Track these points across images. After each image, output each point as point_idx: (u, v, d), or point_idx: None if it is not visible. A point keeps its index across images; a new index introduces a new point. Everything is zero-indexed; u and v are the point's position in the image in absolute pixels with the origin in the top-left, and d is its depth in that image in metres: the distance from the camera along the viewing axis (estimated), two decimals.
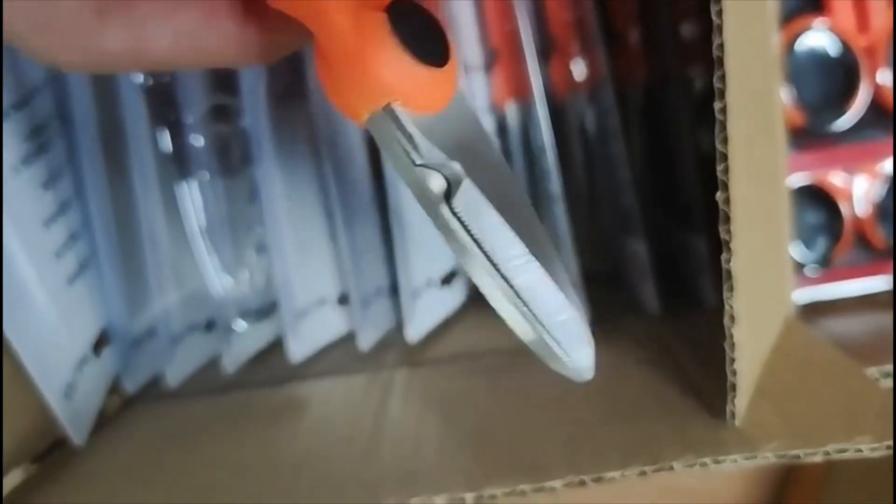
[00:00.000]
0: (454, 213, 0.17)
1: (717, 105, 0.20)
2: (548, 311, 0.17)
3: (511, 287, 0.17)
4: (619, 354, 0.29)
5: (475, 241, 0.17)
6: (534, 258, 0.17)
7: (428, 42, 0.17)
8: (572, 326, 0.18)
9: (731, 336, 0.21)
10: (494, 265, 0.17)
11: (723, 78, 0.20)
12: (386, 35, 0.16)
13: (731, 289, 0.21)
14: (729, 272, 0.21)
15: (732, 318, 0.21)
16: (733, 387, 0.22)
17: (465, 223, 0.17)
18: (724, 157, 0.20)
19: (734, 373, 0.22)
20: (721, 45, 0.20)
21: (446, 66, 0.17)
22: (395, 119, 0.17)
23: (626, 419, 0.25)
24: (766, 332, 0.27)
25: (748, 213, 0.22)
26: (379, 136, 0.17)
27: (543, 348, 0.18)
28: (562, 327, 0.17)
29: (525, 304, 0.17)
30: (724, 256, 0.21)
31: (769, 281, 0.28)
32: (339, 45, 0.17)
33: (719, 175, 0.20)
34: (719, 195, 0.20)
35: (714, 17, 0.20)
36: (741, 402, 0.22)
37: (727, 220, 0.21)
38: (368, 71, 0.16)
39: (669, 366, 0.28)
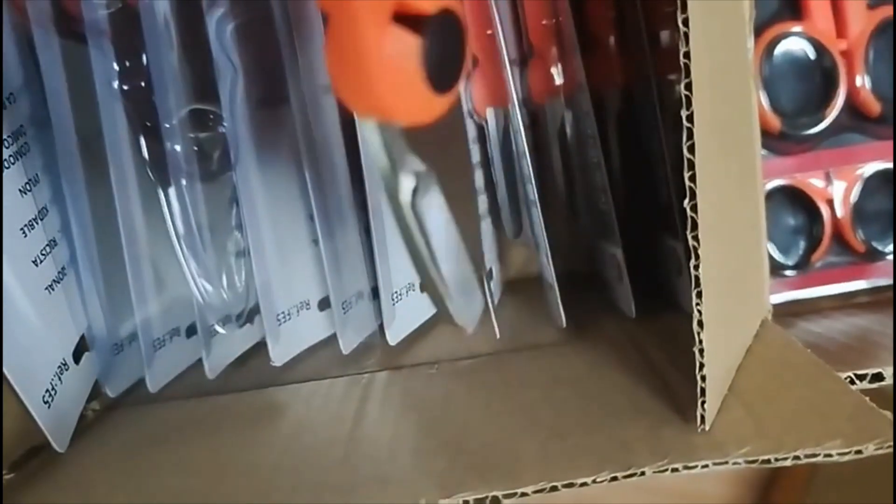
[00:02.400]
0: (415, 211, 0.19)
1: (684, 112, 0.20)
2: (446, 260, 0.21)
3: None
4: (594, 357, 0.30)
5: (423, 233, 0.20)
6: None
7: (448, 65, 0.17)
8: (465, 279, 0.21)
9: (701, 342, 0.22)
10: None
11: (689, 86, 0.20)
12: (414, 67, 0.16)
13: (699, 295, 0.21)
14: (697, 278, 0.21)
15: (701, 323, 0.22)
16: (703, 392, 0.22)
17: (421, 219, 0.20)
18: (692, 165, 0.20)
19: (703, 378, 0.22)
20: (687, 53, 0.20)
21: (454, 88, 0.18)
22: (388, 131, 0.18)
23: (599, 424, 0.25)
24: (740, 336, 0.27)
25: (719, 219, 0.23)
26: (366, 136, 0.19)
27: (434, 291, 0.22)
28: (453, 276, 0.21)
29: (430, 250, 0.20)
30: (692, 263, 0.21)
31: (743, 284, 0.28)
32: (360, 51, 0.16)
33: (687, 182, 0.21)
34: (687, 202, 0.21)
35: (680, 26, 0.20)
36: (711, 407, 0.23)
37: (695, 226, 0.21)
38: (382, 94, 0.16)
39: (644, 369, 0.28)
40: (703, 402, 0.22)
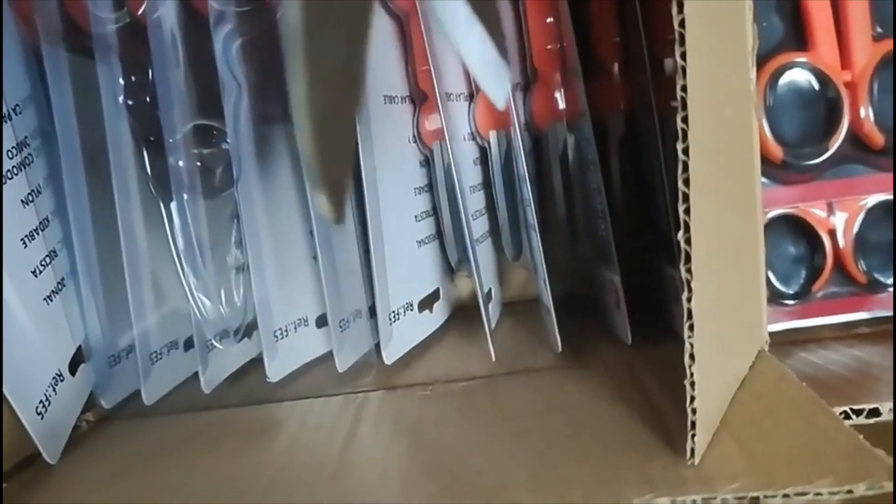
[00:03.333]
0: None
1: (679, 145, 0.20)
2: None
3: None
4: (589, 384, 0.29)
5: None
6: None
7: None
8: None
9: (692, 374, 0.22)
10: None
11: (686, 119, 0.20)
12: None
13: (691, 328, 0.21)
14: (689, 311, 0.21)
15: (693, 356, 0.21)
16: (693, 425, 0.22)
17: None
18: (686, 197, 0.20)
19: (694, 411, 0.22)
20: (685, 87, 0.20)
21: None
22: None
23: (589, 454, 0.25)
24: (734, 368, 0.27)
25: (715, 250, 0.23)
26: None
27: None
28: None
29: None
30: (684, 295, 0.21)
31: (739, 315, 0.28)
32: None
33: (681, 214, 0.21)
34: (681, 234, 0.21)
35: (678, 59, 0.20)
36: (701, 440, 0.23)
37: (688, 259, 0.21)
38: None
39: (638, 397, 0.28)
40: (694, 436, 0.22)
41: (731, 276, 0.27)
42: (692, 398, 0.22)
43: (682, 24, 0.20)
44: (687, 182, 0.20)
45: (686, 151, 0.20)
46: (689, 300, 0.21)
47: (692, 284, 0.21)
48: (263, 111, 0.33)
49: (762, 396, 0.27)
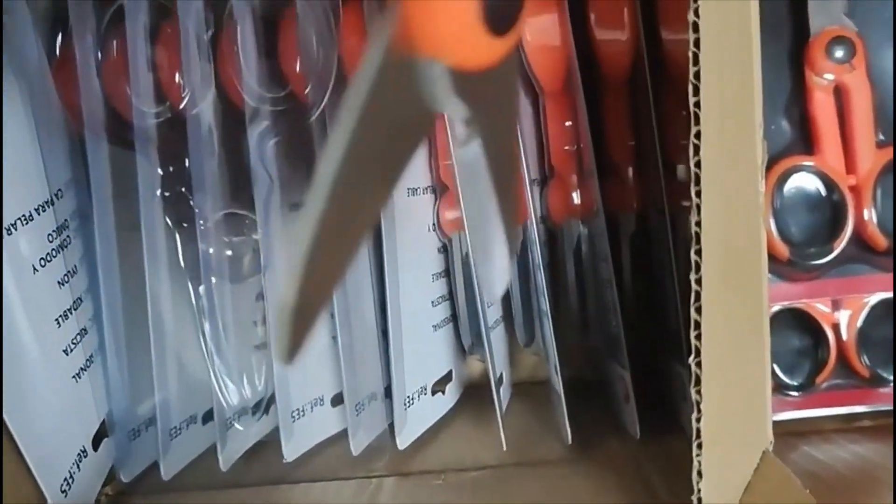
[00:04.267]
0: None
1: (693, 247, 0.22)
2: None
3: None
4: (597, 479, 0.30)
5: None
6: None
7: (505, 6, 0.17)
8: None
9: (699, 490, 0.22)
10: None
11: (699, 223, 0.21)
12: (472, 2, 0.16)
13: (699, 447, 0.22)
14: (699, 431, 0.22)
15: (700, 473, 0.22)
16: None
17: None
18: (697, 325, 0.22)
19: None
20: (699, 192, 0.21)
21: (509, 34, 0.17)
22: (432, 73, 0.17)
23: None
24: (739, 473, 0.28)
25: (722, 353, 0.24)
26: (405, 74, 0.17)
27: None
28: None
29: None
30: (694, 416, 0.22)
31: (744, 423, 0.29)
32: None
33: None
34: (692, 359, 0.22)
35: (692, 167, 0.21)
36: None
37: (698, 382, 0.22)
38: (433, 25, 0.16)
39: (644, 494, 0.29)
40: None
41: (738, 383, 0.28)
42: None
43: (697, 135, 0.21)
44: (699, 282, 0.22)
45: (699, 252, 0.21)
46: (698, 420, 0.22)
47: (702, 406, 0.22)
48: (292, 199, 0.34)
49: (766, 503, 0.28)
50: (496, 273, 0.22)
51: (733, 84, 0.24)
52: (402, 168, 0.19)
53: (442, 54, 0.17)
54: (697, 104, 0.21)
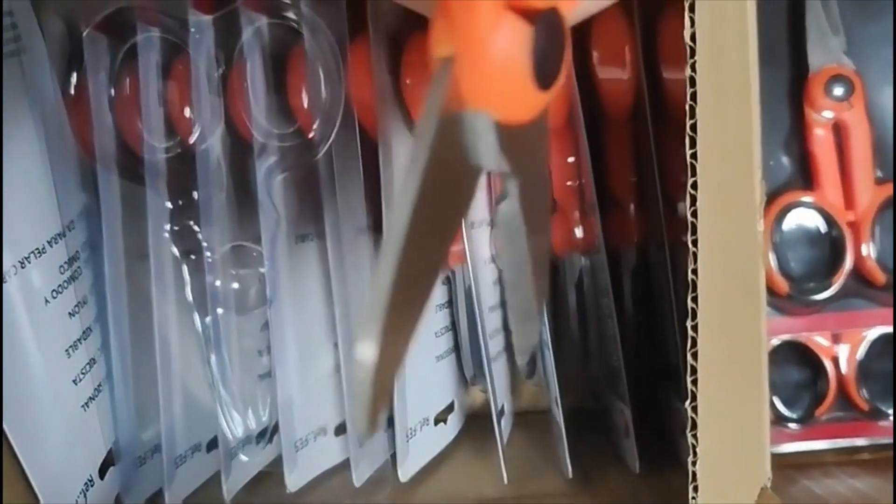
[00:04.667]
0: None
1: (690, 294, 0.22)
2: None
3: None
4: None
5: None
6: None
7: (552, 61, 0.17)
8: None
9: None
10: None
11: (695, 271, 0.22)
12: (524, 58, 0.17)
13: (696, 489, 0.23)
14: (695, 474, 0.22)
15: None
16: None
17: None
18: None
19: None
20: (696, 241, 0.22)
21: (553, 87, 0.18)
22: (480, 127, 0.17)
23: None
24: None
25: (720, 395, 0.24)
26: (452, 129, 0.17)
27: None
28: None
29: None
30: (690, 460, 0.22)
31: (741, 459, 0.29)
32: (470, 40, 0.17)
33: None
34: (688, 403, 0.22)
35: (689, 216, 0.22)
36: None
37: (694, 426, 0.22)
38: (484, 79, 0.17)
39: None
40: None
41: (736, 419, 0.28)
42: None
43: (694, 186, 0.22)
44: (696, 328, 0.22)
45: (695, 300, 0.22)
46: (694, 464, 0.22)
47: (698, 450, 0.22)
48: (298, 230, 0.35)
49: None
50: (528, 337, 0.23)
51: (731, 128, 0.25)
52: (458, 221, 0.19)
53: (491, 107, 0.17)
54: (694, 155, 0.22)
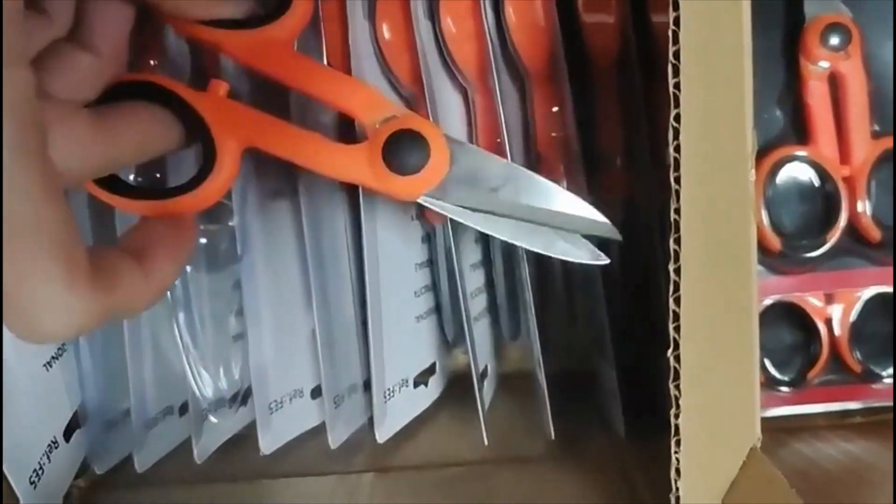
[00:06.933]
0: None
1: (671, 266, 0.21)
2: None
3: None
4: (579, 479, 0.30)
5: None
6: None
7: (412, 155, 0.24)
8: None
9: (677, 489, 0.22)
10: None
11: (678, 210, 0.21)
12: (380, 167, 0.24)
13: (678, 444, 0.21)
14: (678, 427, 0.21)
15: (678, 471, 0.22)
16: None
17: None
18: (676, 317, 0.21)
19: None
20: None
21: (427, 167, 0.24)
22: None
23: None
24: (724, 469, 0.27)
25: (706, 348, 0.23)
26: None
27: None
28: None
29: None
30: (672, 412, 0.21)
31: (730, 414, 0.28)
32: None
33: (671, 332, 0.21)
34: (671, 352, 0.21)
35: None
36: None
37: (677, 376, 0.21)
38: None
39: (625, 493, 0.28)
40: None
41: (724, 378, 0.27)
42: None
43: (677, 149, 0.20)
44: (678, 271, 0.21)
45: (678, 272, 0.21)
46: (676, 416, 0.21)
47: (681, 402, 0.21)
48: (271, 184, 0.34)
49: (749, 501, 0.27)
50: None
51: (720, 64, 0.24)
52: None
53: None
54: (677, 85, 0.21)
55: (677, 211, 0.21)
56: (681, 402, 0.21)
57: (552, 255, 0.26)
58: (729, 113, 0.26)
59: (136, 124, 0.22)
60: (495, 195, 0.25)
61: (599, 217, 0.26)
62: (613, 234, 0.27)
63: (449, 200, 0.25)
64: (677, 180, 0.21)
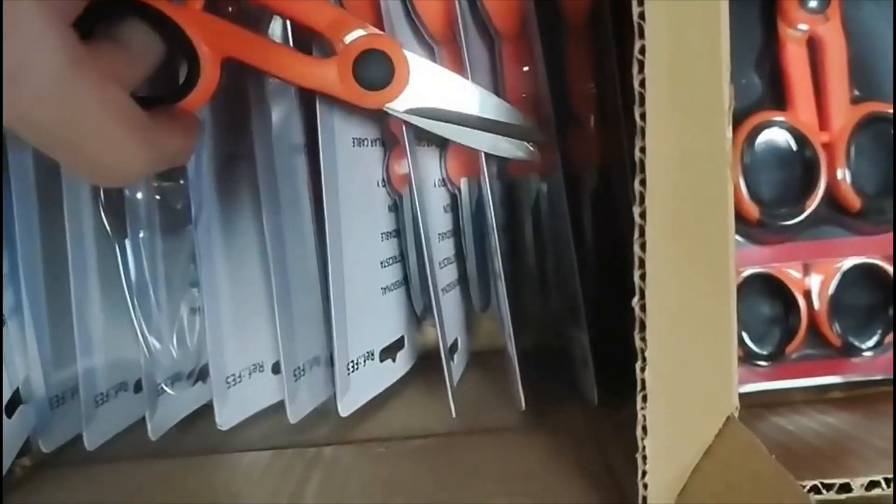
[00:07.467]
0: None
1: (636, 209, 0.19)
2: None
3: None
4: (549, 449, 0.28)
5: None
6: None
7: (379, 72, 0.28)
8: None
9: (644, 448, 0.20)
10: None
11: (644, 182, 0.19)
12: (351, 82, 0.27)
13: (644, 399, 0.20)
14: (643, 382, 0.20)
15: (645, 429, 0.20)
16: (644, 500, 0.21)
17: None
18: (642, 263, 0.19)
19: (645, 486, 0.21)
20: (643, 148, 0.19)
21: (392, 83, 0.28)
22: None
23: None
24: (697, 436, 0.26)
25: (677, 315, 0.22)
26: None
27: None
28: None
29: None
30: (638, 365, 0.20)
31: (704, 382, 0.27)
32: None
33: (636, 281, 0.20)
34: (635, 301, 0.20)
35: (638, 120, 0.19)
36: None
37: (643, 327, 0.20)
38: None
39: (598, 466, 0.27)
40: None
41: (697, 341, 0.26)
42: (643, 473, 0.21)
43: (642, 83, 0.19)
44: (643, 247, 0.20)
45: (643, 215, 0.19)
46: (643, 370, 0.20)
47: (647, 354, 0.20)
48: (227, 147, 0.32)
49: (727, 469, 0.26)
50: None
51: (693, 22, 0.22)
52: None
53: None
54: (642, 15, 0.19)
55: (642, 150, 0.19)
56: (647, 354, 0.20)
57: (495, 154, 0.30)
58: (703, 62, 0.25)
59: (131, 47, 0.23)
60: (446, 104, 0.29)
61: (530, 123, 0.30)
62: (541, 135, 0.31)
63: (407, 108, 0.28)
64: (643, 116, 0.19)
